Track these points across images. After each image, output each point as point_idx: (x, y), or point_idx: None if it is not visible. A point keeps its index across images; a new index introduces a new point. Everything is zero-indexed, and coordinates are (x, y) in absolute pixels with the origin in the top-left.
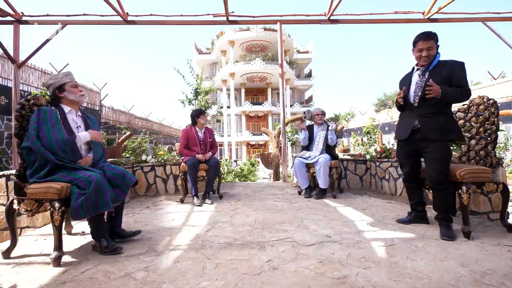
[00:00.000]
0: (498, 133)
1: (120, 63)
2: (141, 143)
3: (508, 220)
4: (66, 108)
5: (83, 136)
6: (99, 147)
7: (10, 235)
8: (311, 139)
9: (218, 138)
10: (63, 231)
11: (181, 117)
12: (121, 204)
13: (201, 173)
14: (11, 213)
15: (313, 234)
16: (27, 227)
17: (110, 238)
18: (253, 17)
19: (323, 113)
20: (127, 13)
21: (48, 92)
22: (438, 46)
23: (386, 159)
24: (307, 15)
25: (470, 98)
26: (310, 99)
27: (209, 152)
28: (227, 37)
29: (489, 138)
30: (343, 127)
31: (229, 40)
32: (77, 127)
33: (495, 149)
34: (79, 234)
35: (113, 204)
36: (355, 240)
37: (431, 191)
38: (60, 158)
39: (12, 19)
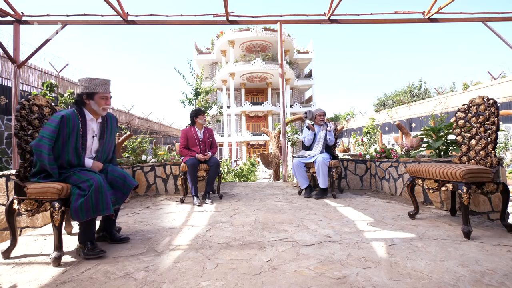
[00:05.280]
0: (498, 133)
1: (120, 63)
2: (141, 143)
3: (508, 220)
4: (89, 116)
5: (86, 163)
6: (104, 155)
7: (10, 235)
8: (313, 139)
9: (218, 138)
10: (63, 231)
11: (181, 117)
12: (116, 208)
13: (201, 173)
14: (11, 213)
15: (313, 234)
16: (27, 227)
17: (101, 237)
18: (253, 17)
19: (325, 114)
20: (127, 13)
21: (73, 91)
22: None
23: (386, 159)
24: (307, 15)
25: (470, 98)
26: (310, 99)
27: (209, 152)
28: (227, 37)
29: (489, 138)
30: (343, 127)
31: (229, 40)
32: (93, 136)
33: (495, 149)
34: None
35: (113, 206)
36: (355, 240)
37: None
38: (64, 166)
39: (12, 19)
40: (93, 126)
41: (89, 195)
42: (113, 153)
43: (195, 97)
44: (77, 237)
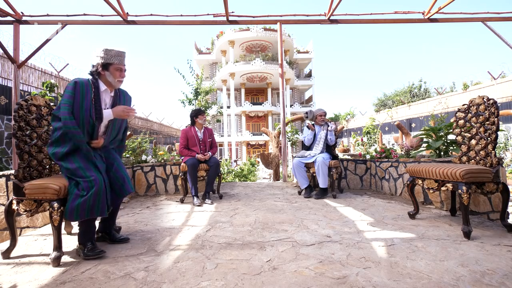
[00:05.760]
0: (498, 133)
1: None
2: (141, 143)
3: (508, 220)
4: (102, 86)
5: (106, 115)
6: (115, 131)
7: (10, 235)
8: (313, 138)
9: (218, 138)
10: (63, 231)
11: (181, 117)
12: (115, 209)
13: (201, 173)
14: (10, 213)
15: (313, 234)
16: (27, 227)
17: (101, 237)
18: (253, 17)
19: (325, 114)
20: (127, 13)
21: (93, 64)
22: None
23: (386, 159)
24: (307, 15)
25: (470, 98)
26: (310, 99)
27: (209, 152)
28: (227, 37)
29: (489, 138)
30: (343, 127)
31: (229, 40)
32: (105, 109)
33: (495, 149)
34: None
35: (107, 210)
36: (355, 240)
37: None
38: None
39: (12, 19)
40: (105, 97)
41: (87, 197)
42: (123, 134)
43: (195, 97)
44: (76, 236)
